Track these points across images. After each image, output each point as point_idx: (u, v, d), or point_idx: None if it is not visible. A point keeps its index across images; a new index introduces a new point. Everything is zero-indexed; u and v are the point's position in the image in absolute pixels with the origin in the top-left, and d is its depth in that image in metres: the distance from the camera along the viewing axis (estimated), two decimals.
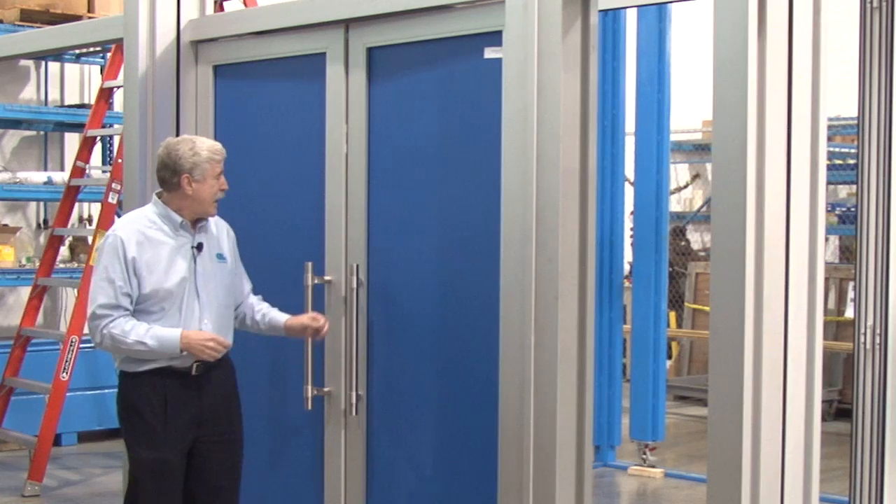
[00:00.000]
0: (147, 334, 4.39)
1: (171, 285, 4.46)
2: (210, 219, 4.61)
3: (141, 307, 4.45)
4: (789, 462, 3.66)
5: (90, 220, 10.06)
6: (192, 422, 4.51)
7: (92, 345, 8.04)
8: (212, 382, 4.56)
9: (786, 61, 3.61)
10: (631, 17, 8.28)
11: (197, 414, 4.52)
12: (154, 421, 4.46)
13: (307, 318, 4.73)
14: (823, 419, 3.85)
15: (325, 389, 4.87)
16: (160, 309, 4.46)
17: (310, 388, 4.84)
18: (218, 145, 4.59)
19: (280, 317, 4.77)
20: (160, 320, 4.45)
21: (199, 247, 4.55)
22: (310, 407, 4.85)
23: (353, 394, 4.82)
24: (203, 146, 4.51)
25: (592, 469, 4.24)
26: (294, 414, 5.04)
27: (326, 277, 4.87)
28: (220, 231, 4.68)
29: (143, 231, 4.48)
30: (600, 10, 4.29)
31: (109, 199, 8.00)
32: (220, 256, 4.64)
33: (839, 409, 10.20)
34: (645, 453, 8.20)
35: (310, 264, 4.83)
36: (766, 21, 3.52)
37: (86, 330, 7.49)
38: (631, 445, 8.37)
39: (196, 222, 4.56)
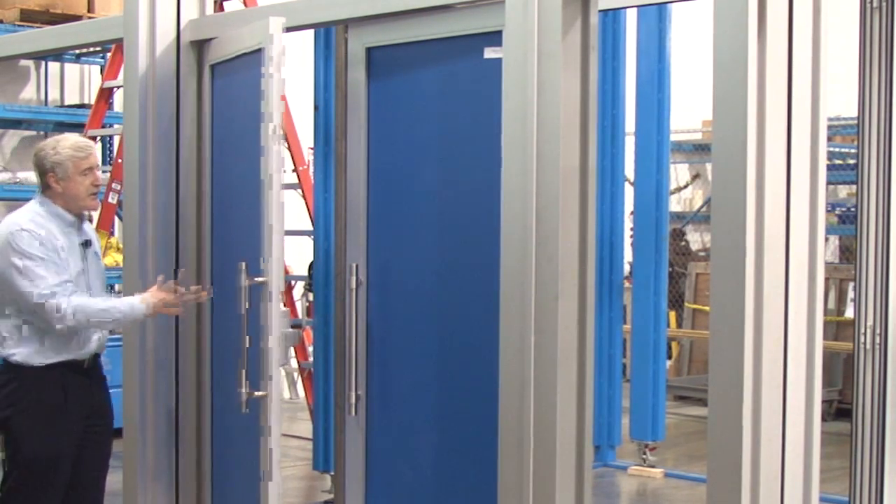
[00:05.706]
0: (109, 302, 4.42)
1: (71, 279, 4.50)
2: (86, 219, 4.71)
3: None
4: (789, 462, 3.66)
5: (90, 219, 10.06)
6: (84, 414, 4.55)
7: None
8: (98, 374, 4.63)
9: (786, 61, 3.60)
10: (631, 17, 8.28)
11: (89, 406, 4.56)
12: (56, 415, 4.47)
13: (165, 294, 4.54)
14: (823, 419, 3.84)
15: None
16: None
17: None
18: (83, 142, 4.66)
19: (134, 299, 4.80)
20: None
21: (87, 243, 4.62)
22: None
23: (353, 394, 4.82)
24: (65, 144, 4.60)
25: (592, 469, 4.23)
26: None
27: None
28: (91, 230, 4.77)
29: (43, 225, 4.55)
30: (600, 10, 4.28)
31: (109, 199, 8.02)
32: (97, 255, 4.72)
33: (839, 409, 10.20)
34: (645, 453, 8.21)
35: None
36: (766, 21, 3.52)
37: None
38: (631, 445, 8.38)
39: (80, 220, 4.64)
